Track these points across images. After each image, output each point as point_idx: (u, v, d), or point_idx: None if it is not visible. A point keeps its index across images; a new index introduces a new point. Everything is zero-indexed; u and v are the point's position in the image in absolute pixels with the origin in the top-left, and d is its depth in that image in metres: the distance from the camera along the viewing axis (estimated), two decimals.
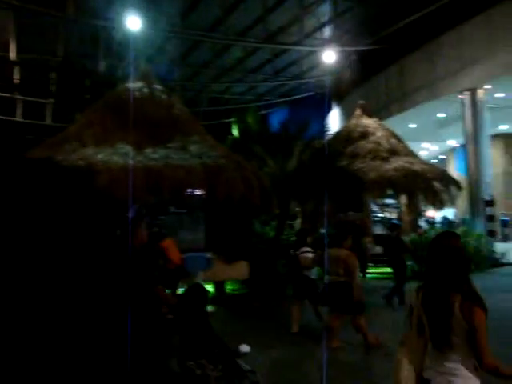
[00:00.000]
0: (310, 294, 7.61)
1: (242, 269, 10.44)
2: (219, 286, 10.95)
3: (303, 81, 27.10)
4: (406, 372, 2.72)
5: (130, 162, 8.78)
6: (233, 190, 9.55)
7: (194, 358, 4.06)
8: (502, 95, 18.66)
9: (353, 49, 21.44)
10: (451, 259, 2.61)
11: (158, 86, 11.63)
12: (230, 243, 10.11)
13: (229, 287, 11.62)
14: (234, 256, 10.23)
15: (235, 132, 13.98)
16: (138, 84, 11.31)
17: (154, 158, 9.48)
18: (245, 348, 4.27)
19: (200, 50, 22.50)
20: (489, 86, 17.73)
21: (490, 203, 16.37)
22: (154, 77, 11.85)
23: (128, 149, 9.41)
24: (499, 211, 22.78)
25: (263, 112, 26.05)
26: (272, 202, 11.56)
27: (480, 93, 17.94)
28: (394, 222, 13.73)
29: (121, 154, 9.26)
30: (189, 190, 10.00)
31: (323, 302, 6.97)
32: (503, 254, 17.26)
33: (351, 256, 6.56)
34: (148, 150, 9.60)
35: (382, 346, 6.49)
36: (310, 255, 7.59)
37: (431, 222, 20.97)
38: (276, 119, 22.18)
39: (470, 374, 2.58)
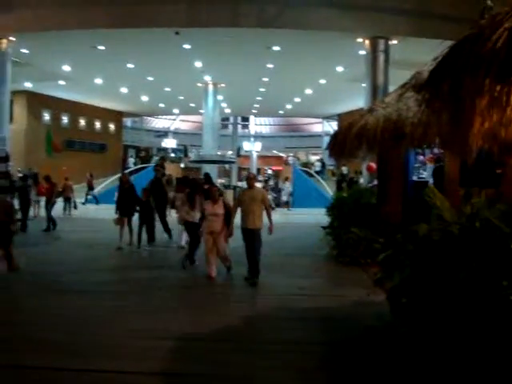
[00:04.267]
0: None
1: None
2: None
3: None
4: (184, 214, 9.53)
5: None
6: None
7: None
8: (26, 51, 18.42)
9: None
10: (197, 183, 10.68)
11: None
12: None
13: None
14: None
15: None
16: None
17: None
18: None
19: None
20: (13, 39, 17.03)
21: (6, 159, 16.02)
22: None
23: None
24: (19, 167, 22.88)
25: None
26: None
27: (3, 43, 16.95)
28: None
29: None
30: None
31: None
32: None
33: (9, 203, 9.46)
34: None
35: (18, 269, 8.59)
36: None
37: None
38: None
39: (198, 214, 9.01)
